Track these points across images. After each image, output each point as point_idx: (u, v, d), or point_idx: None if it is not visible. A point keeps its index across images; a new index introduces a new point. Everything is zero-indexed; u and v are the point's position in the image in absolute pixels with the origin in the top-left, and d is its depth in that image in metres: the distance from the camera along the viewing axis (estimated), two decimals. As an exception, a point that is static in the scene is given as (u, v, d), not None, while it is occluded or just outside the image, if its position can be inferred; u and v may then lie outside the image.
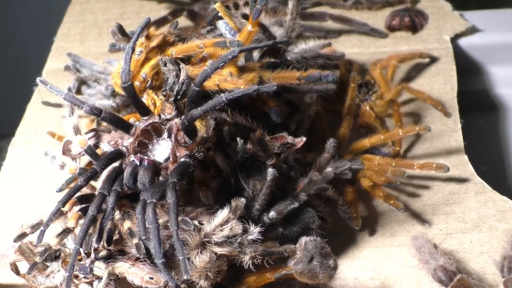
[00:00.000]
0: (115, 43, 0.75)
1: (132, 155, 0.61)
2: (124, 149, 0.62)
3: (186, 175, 0.59)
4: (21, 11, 1.59)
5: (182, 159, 0.60)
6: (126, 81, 0.61)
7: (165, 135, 0.62)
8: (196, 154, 0.61)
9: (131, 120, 0.64)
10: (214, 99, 0.58)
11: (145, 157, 0.61)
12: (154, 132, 0.63)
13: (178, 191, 0.56)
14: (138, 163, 0.60)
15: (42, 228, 0.59)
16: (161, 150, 0.62)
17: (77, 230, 0.59)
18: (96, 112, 0.61)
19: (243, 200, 0.61)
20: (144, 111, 0.63)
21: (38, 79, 0.62)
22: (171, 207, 0.55)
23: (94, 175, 0.60)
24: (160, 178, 0.60)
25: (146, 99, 0.65)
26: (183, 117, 0.60)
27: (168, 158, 0.61)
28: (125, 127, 0.63)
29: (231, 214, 0.60)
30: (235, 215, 0.60)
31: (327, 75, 0.67)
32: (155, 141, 0.62)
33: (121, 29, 0.73)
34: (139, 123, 0.63)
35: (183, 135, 0.61)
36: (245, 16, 0.70)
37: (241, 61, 0.69)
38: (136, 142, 0.62)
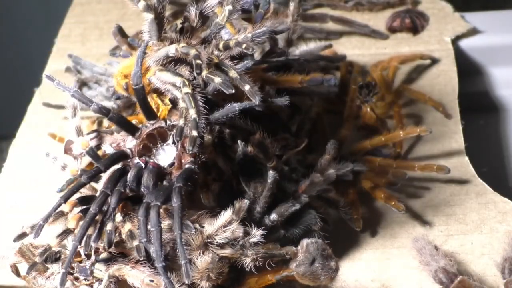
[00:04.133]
0: (115, 52, 0.75)
1: (136, 157, 0.61)
2: (128, 151, 0.62)
3: (191, 180, 0.59)
4: (22, 12, 1.59)
5: (187, 166, 0.59)
6: (137, 83, 0.61)
7: (170, 141, 0.62)
8: (199, 160, 0.61)
9: (133, 122, 0.64)
10: (227, 107, 0.59)
11: (150, 160, 0.61)
12: (159, 136, 0.62)
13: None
14: (143, 165, 0.60)
15: (41, 222, 0.57)
16: (165, 155, 0.62)
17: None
18: (104, 111, 0.60)
19: (246, 201, 0.61)
20: (151, 115, 0.63)
21: (45, 75, 0.61)
22: (176, 211, 0.55)
23: (98, 174, 0.60)
24: (164, 183, 0.60)
25: (149, 102, 0.65)
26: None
27: (172, 164, 0.60)
28: (131, 129, 0.62)
29: (234, 215, 0.60)
30: (238, 216, 0.60)
31: (329, 79, 0.67)
32: (159, 146, 0.62)
33: (121, 31, 0.73)
34: (144, 126, 0.63)
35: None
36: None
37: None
38: (141, 145, 0.62)
